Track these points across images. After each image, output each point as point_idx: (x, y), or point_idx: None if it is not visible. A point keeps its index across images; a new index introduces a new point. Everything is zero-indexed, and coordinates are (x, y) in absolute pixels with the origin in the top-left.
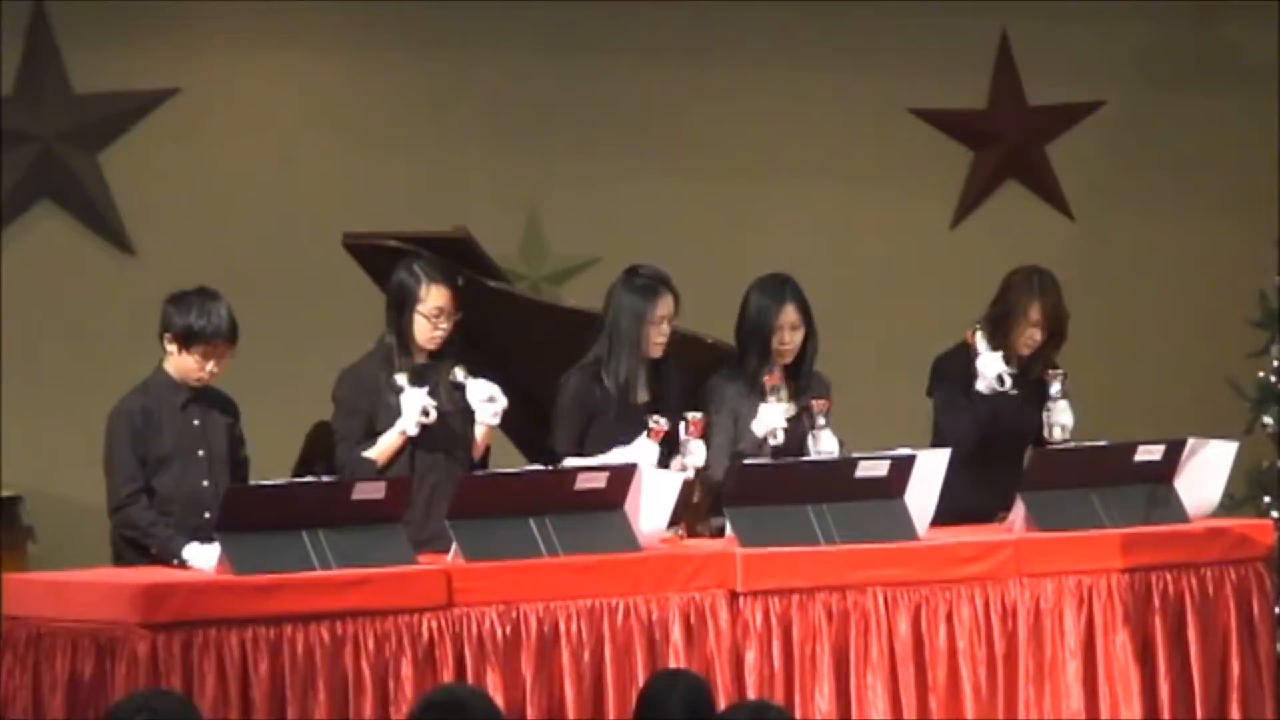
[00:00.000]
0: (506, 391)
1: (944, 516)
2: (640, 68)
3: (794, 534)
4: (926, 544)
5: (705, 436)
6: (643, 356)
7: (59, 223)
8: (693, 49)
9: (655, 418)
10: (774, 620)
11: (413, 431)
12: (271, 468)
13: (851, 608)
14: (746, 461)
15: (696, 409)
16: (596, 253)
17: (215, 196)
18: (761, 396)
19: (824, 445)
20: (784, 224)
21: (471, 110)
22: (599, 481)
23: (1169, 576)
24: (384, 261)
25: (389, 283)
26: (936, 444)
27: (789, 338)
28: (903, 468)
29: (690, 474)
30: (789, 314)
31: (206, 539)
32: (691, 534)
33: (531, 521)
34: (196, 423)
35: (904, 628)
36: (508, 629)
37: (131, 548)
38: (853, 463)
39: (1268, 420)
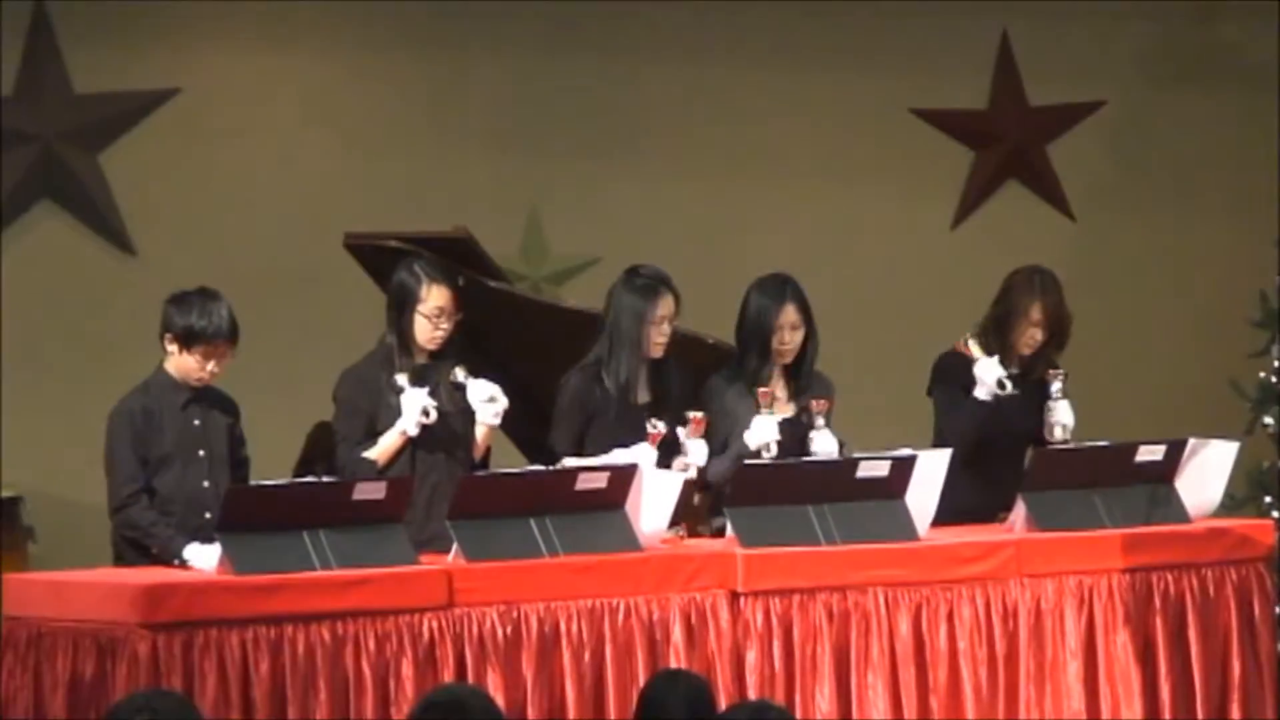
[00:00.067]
0: (507, 392)
1: (945, 516)
2: (640, 68)
3: (795, 534)
4: (927, 544)
5: (706, 435)
6: (643, 357)
7: (59, 223)
8: (693, 49)
9: (653, 421)
10: (775, 620)
11: (413, 432)
12: (272, 468)
13: (852, 608)
14: (747, 462)
15: (697, 409)
16: (597, 253)
17: (216, 196)
18: (755, 409)
19: (822, 445)
20: (784, 224)
21: (472, 110)
22: (600, 482)
23: (1170, 577)
24: (385, 262)
25: (390, 283)
26: (937, 444)
27: (789, 338)
28: (903, 468)
29: (692, 474)
30: (789, 314)
31: (207, 539)
32: (692, 534)
33: (532, 522)
34: (197, 423)
35: (905, 628)
36: (508, 629)
37: (132, 548)
38: (854, 463)
39: (1268, 420)
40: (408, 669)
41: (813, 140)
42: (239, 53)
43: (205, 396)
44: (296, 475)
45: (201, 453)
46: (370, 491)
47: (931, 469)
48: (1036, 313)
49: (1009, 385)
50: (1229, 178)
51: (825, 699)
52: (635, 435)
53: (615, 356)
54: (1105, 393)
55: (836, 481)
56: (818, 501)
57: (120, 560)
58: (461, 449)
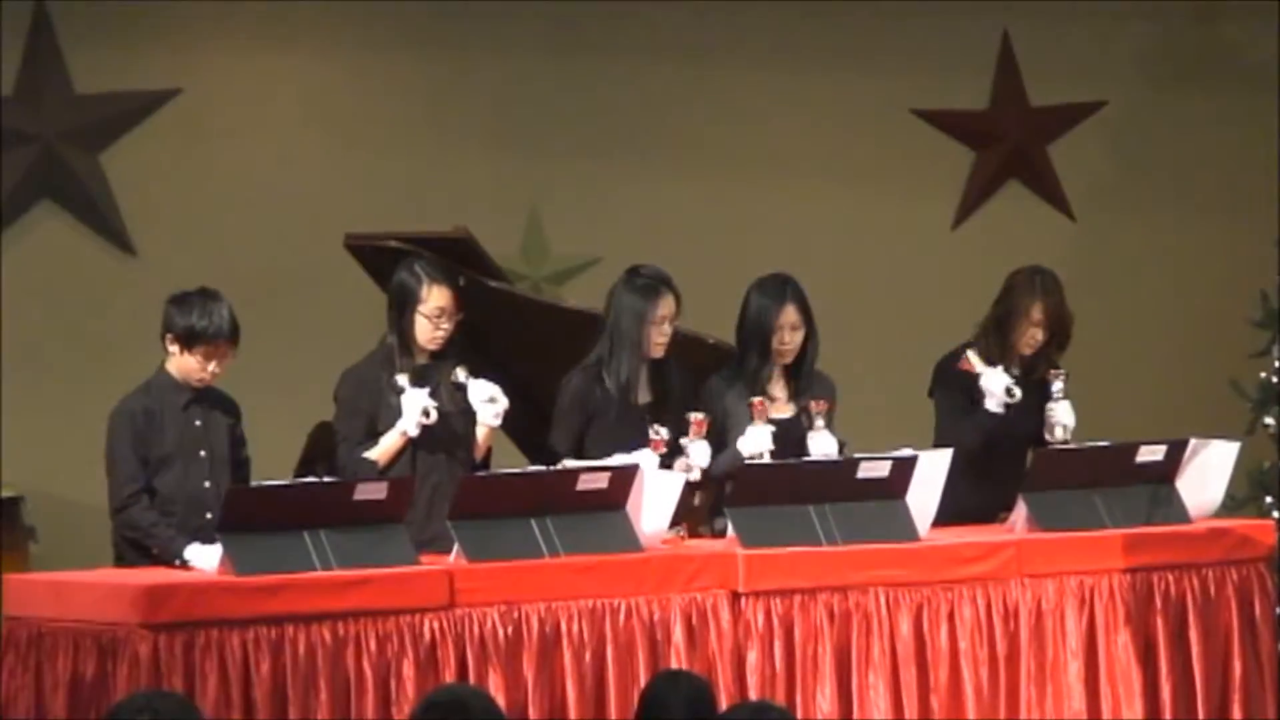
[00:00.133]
0: (508, 392)
1: (945, 517)
2: (640, 68)
3: (796, 534)
4: (928, 544)
5: (707, 437)
6: (644, 357)
7: (60, 223)
8: (693, 49)
9: (656, 428)
10: (776, 621)
11: (413, 432)
12: (273, 468)
13: (853, 608)
14: (748, 462)
15: (697, 409)
16: (597, 253)
17: (216, 197)
18: (750, 419)
19: (820, 446)
20: (785, 224)
21: (472, 110)
22: (601, 482)
23: (1171, 577)
24: (385, 262)
25: (390, 283)
26: (938, 445)
27: (789, 338)
28: (904, 468)
29: (695, 475)
30: (789, 314)
31: (208, 539)
32: (693, 535)
33: (533, 522)
34: (198, 423)
35: (906, 628)
36: (509, 629)
37: (133, 548)
38: (854, 463)
39: (1269, 421)
40: (409, 669)
41: (814, 140)
42: (239, 53)
43: (206, 397)
44: (297, 475)
45: (202, 453)
46: (371, 492)
47: (932, 469)
48: (1037, 313)
49: (1017, 392)
50: (1229, 178)
51: (826, 699)
52: (636, 435)
53: (616, 357)
54: (1106, 393)
55: (837, 482)
56: (819, 502)
57: (121, 560)
58: (462, 449)
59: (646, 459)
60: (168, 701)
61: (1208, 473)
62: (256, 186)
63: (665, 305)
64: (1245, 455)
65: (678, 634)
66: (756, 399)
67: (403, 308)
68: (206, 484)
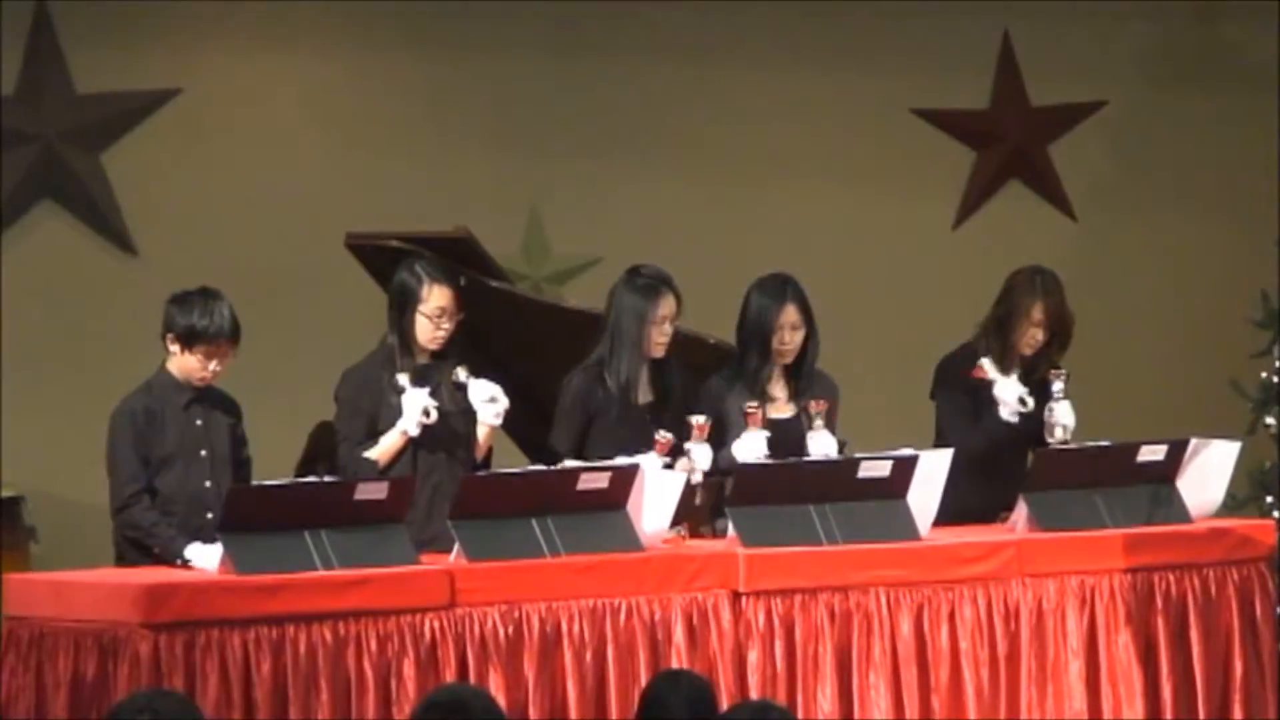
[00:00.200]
0: (508, 391)
1: (946, 516)
2: (641, 68)
3: (796, 534)
4: (929, 544)
5: (709, 438)
6: (644, 357)
7: (61, 223)
8: (693, 49)
9: (661, 431)
10: (776, 620)
11: (413, 432)
12: (274, 468)
13: (854, 608)
14: (748, 462)
15: (698, 410)
16: (598, 253)
17: (217, 196)
18: (744, 425)
19: (819, 446)
20: (786, 224)
21: (472, 110)
22: (601, 482)
23: (1171, 577)
24: (386, 262)
25: (391, 283)
26: (939, 445)
27: (789, 338)
28: (905, 468)
29: (698, 477)
30: (790, 314)
31: (209, 539)
32: (694, 536)
33: (534, 521)
34: (199, 423)
35: (906, 628)
36: (510, 629)
37: (134, 548)
38: (855, 463)
39: (1270, 421)
40: (409, 669)
41: (814, 140)
42: (240, 53)
43: (207, 396)
44: (298, 475)
45: (203, 453)
46: (372, 491)
47: (933, 469)
48: (1038, 313)
49: (1030, 402)
50: (1229, 178)
51: (827, 699)
52: (637, 435)
53: (616, 356)
54: (1106, 393)
55: (838, 481)
56: (819, 501)
57: (122, 560)
58: (463, 449)
59: (651, 462)
60: (168, 701)
61: (1208, 473)
62: (256, 186)
63: (666, 305)
64: (1246, 455)
65: (678, 634)
66: (750, 406)
67: (403, 307)
68: (207, 484)
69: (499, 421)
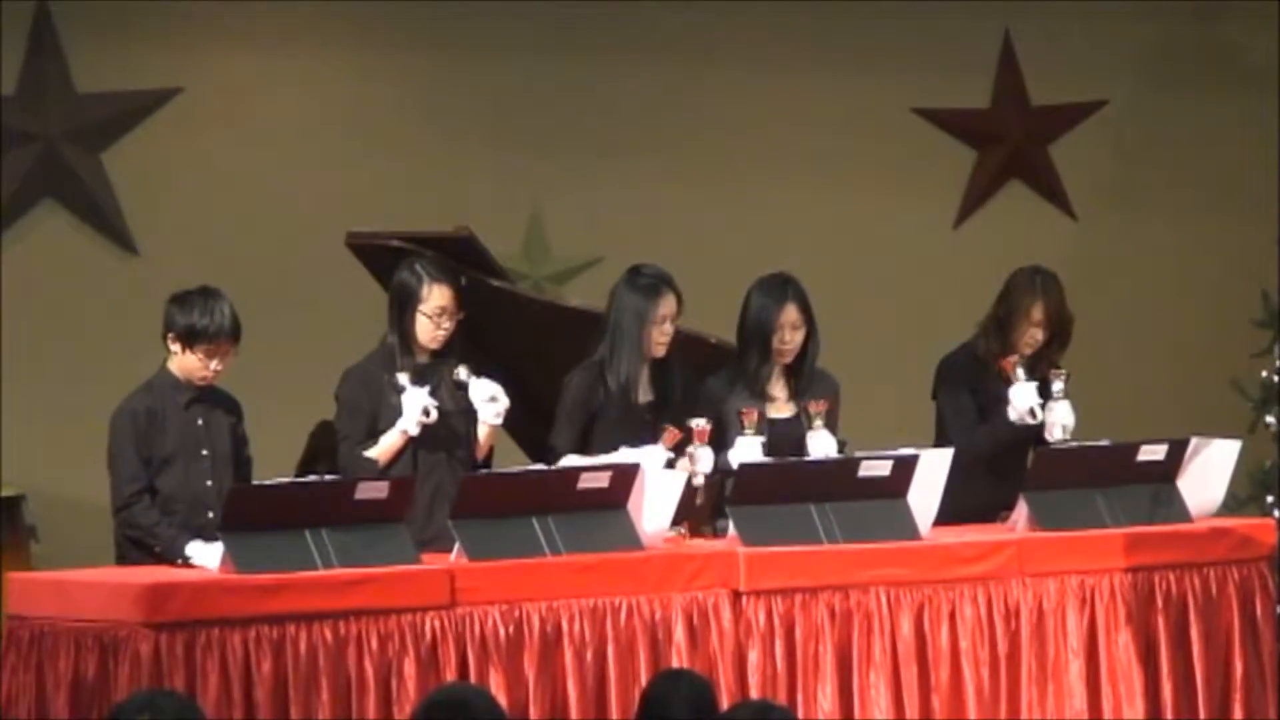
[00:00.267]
0: (509, 391)
1: (947, 516)
2: (641, 68)
3: (797, 533)
4: (929, 544)
5: (711, 441)
6: (645, 356)
7: (61, 222)
8: (694, 49)
9: (668, 426)
10: (777, 620)
11: (413, 431)
12: (275, 467)
13: (854, 607)
14: (749, 461)
15: (698, 410)
16: (599, 252)
17: (218, 196)
18: (740, 430)
19: (818, 446)
20: (786, 224)
21: (473, 110)
22: (602, 481)
23: (1172, 576)
24: (386, 261)
25: (391, 282)
26: (940, 444)
27: (790, 337)
28: (905, 467)
29: (699, 481)
30: (790, 313)
31: (210, 539)
32: (695, 535)
33: (534, 521)
34: (200, 422)
35: (907, 627)
36: (510, 628)
37: (135, 547)
38: (855, 462)
39: (1271, 420)
40: (410, 668)
41: (814, 140)
42: (241, 52)
43: (208, 396)
44: (299, 474)
45: (204, 452)
46: (372, 491)
47: (933, 468)
48: (1037, 313)
49: (1040, 414)
50: (1229, 178)
51: (827, 698)
52: (637, 435)
53: (617, 356)
54: (1107, 392)
55: (838, 481)
56: (820, 501)
57: (123, 560)
58: (463, 448)
59: (656, 454)
60: (169, 701)
61: (1209, 472)
62: (258, 186)
63: (667, 305)
64: (1246, 455)
65: (679, 633)
66: (745, 408)
67: (404, 307)
68: (208, 483)
69: (500, 421)
